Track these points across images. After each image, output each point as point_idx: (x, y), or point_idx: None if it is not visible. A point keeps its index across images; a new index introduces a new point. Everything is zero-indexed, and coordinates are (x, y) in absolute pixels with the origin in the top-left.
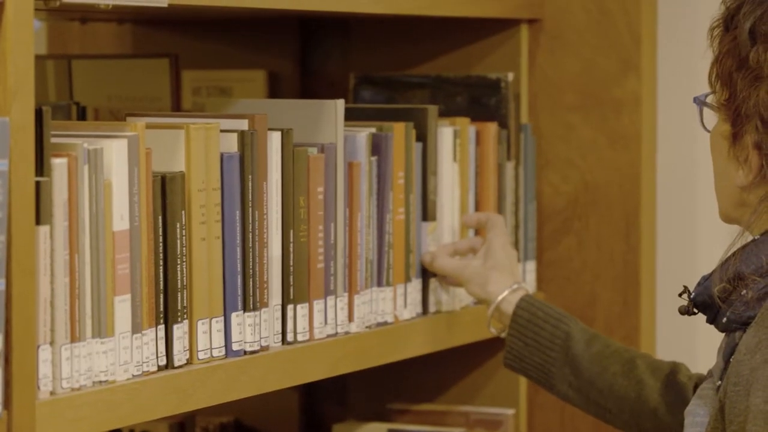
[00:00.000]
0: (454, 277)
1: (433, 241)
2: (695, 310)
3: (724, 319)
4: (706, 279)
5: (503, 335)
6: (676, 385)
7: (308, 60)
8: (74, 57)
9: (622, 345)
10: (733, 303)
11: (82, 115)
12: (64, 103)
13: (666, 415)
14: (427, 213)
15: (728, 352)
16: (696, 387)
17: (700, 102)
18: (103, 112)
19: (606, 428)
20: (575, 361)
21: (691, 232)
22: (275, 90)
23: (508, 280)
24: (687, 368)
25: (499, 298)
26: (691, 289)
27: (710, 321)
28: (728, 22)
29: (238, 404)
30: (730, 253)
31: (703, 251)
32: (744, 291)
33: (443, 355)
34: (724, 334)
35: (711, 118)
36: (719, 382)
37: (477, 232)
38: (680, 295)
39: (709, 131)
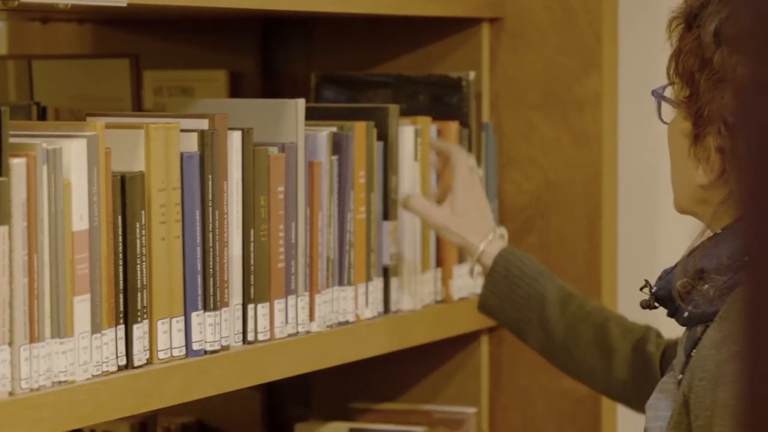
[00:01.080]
0: (427, 222)
1: (394, 241)
2: (656, 305)
3: (686, 314)
4: (667, 273)
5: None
6: (645, 356)
7: (270, 60)
8: (35, 57)
9: (597, 305)
10: (694, 298)
11: (42, 116)
12: (25, 104)
13: (633, 388)
14: (388, 212)
15: (689, 347)
16: (663, 357)
17: (658, 95)
18: (64, 112)
19: (568, 429)
20: (548, 325)
21: (652, 230)
22: (237, 90)
23: (483, 228)
24: (658, 334)
25: (480, 249)
26: (653, 283)
27: (671, 315)
28: (691, 19)
29: (201, 404)
30: (691, 249)
31: (664, 249)
32: (706, 287)
33: (405, 354)
34: (684, 329)
35: (669, 111)
36: (680, 375)
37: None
38: (641, 289)
39: (666, 123)
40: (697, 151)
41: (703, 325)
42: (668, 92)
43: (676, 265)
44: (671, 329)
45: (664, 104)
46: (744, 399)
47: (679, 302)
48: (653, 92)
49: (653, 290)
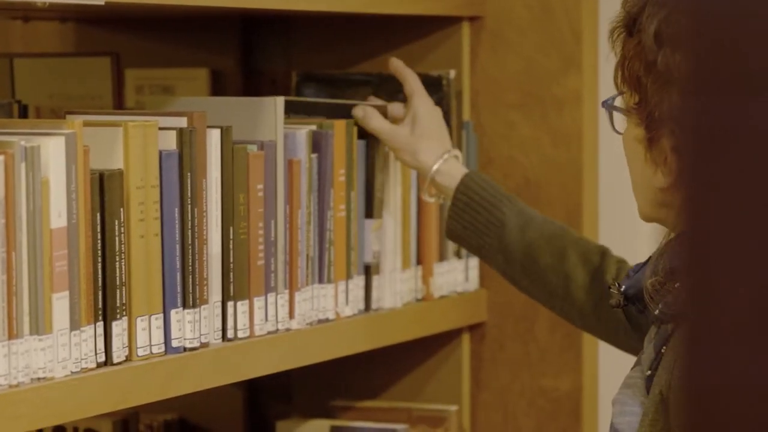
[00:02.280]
0: (384, 141)
1: (377, 239)
2: (626, 303)
3: (657, 312)
4: (635, 271)
5: (440, 202)
6: (602, 285)
7: (251, 58)
8: (16, 55)
9: (557, 228)
10: (663, 297)
11: (23, 114)
12: (6, 102)
13: (590, 315)
14: (373, 210)
15: (659, 343)
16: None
17: (608, 106)
18: (45, 110)
19: (549, 427)
20: (507, 250)
21: (632, 229)
22: (218, 88)
23: (439, 149)
24: (612, 258)
25: (433, 169)
26: (619, 282)
27: (640, 312)
28: (630, 26)
29: (183, 402)
30: (661, 249)
31: (645, 248)
32: (677, 284)
33: (386, 352)
34: (653, 325)
35: (621, 120)
36: (649, 371)
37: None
38: (610, 288)
39: (620, 134)
40: (653, 155)
41: (674, 322)
42: (618, 102)
43: (643, 264)
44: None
45: (616, 114)
46: (687, 393)
47: (648, 301)
48: (603, 104)
49: (622, 289)
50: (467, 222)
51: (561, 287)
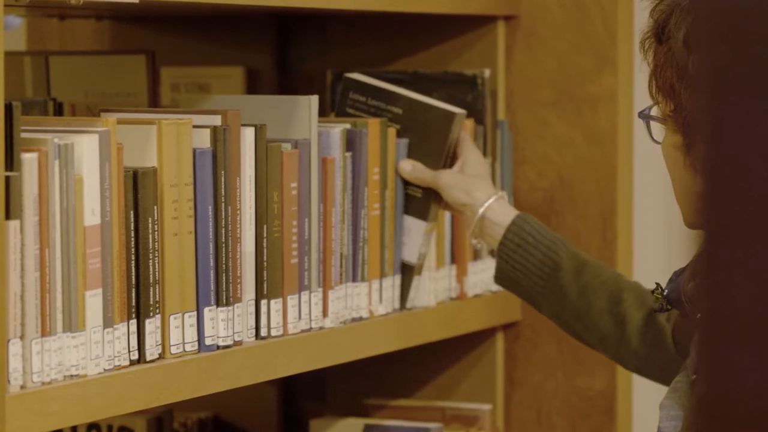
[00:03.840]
0: (433, 184)
1: (427, 241)
2: (669, 307)
3: (698, 316)
4: (678, 275)
5: (478, 247)
6: (657, 327)
7: (286, 56)
8: (52, 53)
9: (612, 273)
10: None
11: (58, 111)
12: (41, 99)
13: (645, 359)
14: (409, 208)
15: None
16: (675, 330)
17: (645, 116)
18: (80, 108)
19: (583, 426)
20: (562, 293)
21: (667, 228)
22: (253, 86)
23: (490, 188)
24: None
25: (486, 204)
26: (663, 286)
27: (684, 315)
28: (660, 34)
29: (217, 399)
30: (698, 250)
31: (680, 247)
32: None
33: (420, 350)
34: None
35: (659, 130)
36: (694, 376)
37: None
38: (653, 292)
39: (659, 143)
40: (692, 160)
41: None
42: (654, 111)
43: (686, 267)
44: None
45: (653, 124)
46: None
47: (688, 307)
48: (640, 114)
49: (664, 293)
50: (518, 263)
51: (617, 330)
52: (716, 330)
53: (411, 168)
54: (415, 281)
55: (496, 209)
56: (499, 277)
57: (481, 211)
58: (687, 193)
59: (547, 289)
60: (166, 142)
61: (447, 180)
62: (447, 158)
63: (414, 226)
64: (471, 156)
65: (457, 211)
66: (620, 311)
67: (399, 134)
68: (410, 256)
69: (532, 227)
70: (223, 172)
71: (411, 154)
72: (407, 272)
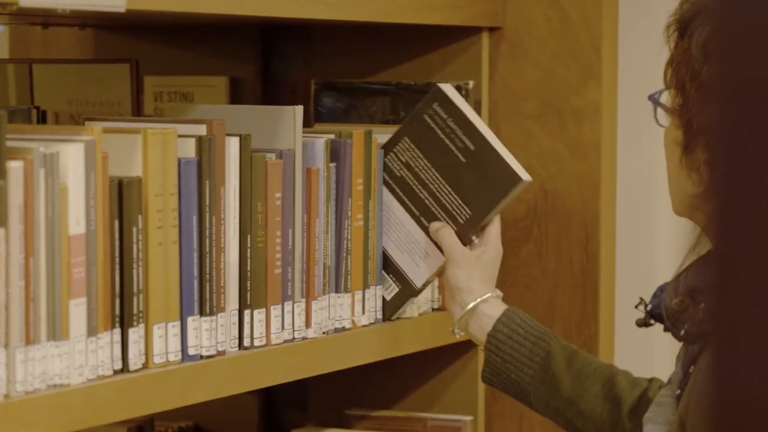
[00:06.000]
0: (449, 254)
1: (435, 274)
2: (652, 321)
3: (682, 332)
4: (662, 290)
5: (459, 337)
6: (648, 403)
7: (270, 66)
8: (36, 61)
9: (602, 362)
10: (687, 318)
11: (42, 119)
12: (25, 107)
13: None
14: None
15: (687, 362)
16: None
17: (654, 101)
18: (64, 116)
19: None
20: (554, 381)
21: (650, 241)
22: (237, 96)
23: (492, 285)
24: (658, 381)
25: (484, 296)
26: (647, 300)
27: (667, 330)
28: (683, 29)
29: (198, 409)
30: (683, 267)
31: (663, 260)
32: (701, 305)
33: (402, 361)
34: (682, 343)
35: (665, 116)
36: (678, 390)
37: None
38: (636, 306)
39: (663, 126)
40: (687, 161)
41: (701, 342)
42: (664, 97)
43: (669, 283)
44: (670, 345)
45: (659, 109)
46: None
47: (669, 322)
48: (650, 97)
49: (648, 308)
50: (508, 354)
51: (612, 413)
52: (730, 348)
53: (438, 226)
54: (409, 302)
55: (490, 303)
56: (487, 371)
57: (477, 302)
58: (678, 186)
59: (537, 378)
60: (151, 151)
61: (460, 258)
62: (484, 220)
63: (434, 256)
64: (494, 249)
65: (450, 289)
66: (615, 394)
67: (458, 167)
68: (417, 280)
69: (522, 319)
70: (207, 181)
71: (459, 192)
72: (407, 292)
